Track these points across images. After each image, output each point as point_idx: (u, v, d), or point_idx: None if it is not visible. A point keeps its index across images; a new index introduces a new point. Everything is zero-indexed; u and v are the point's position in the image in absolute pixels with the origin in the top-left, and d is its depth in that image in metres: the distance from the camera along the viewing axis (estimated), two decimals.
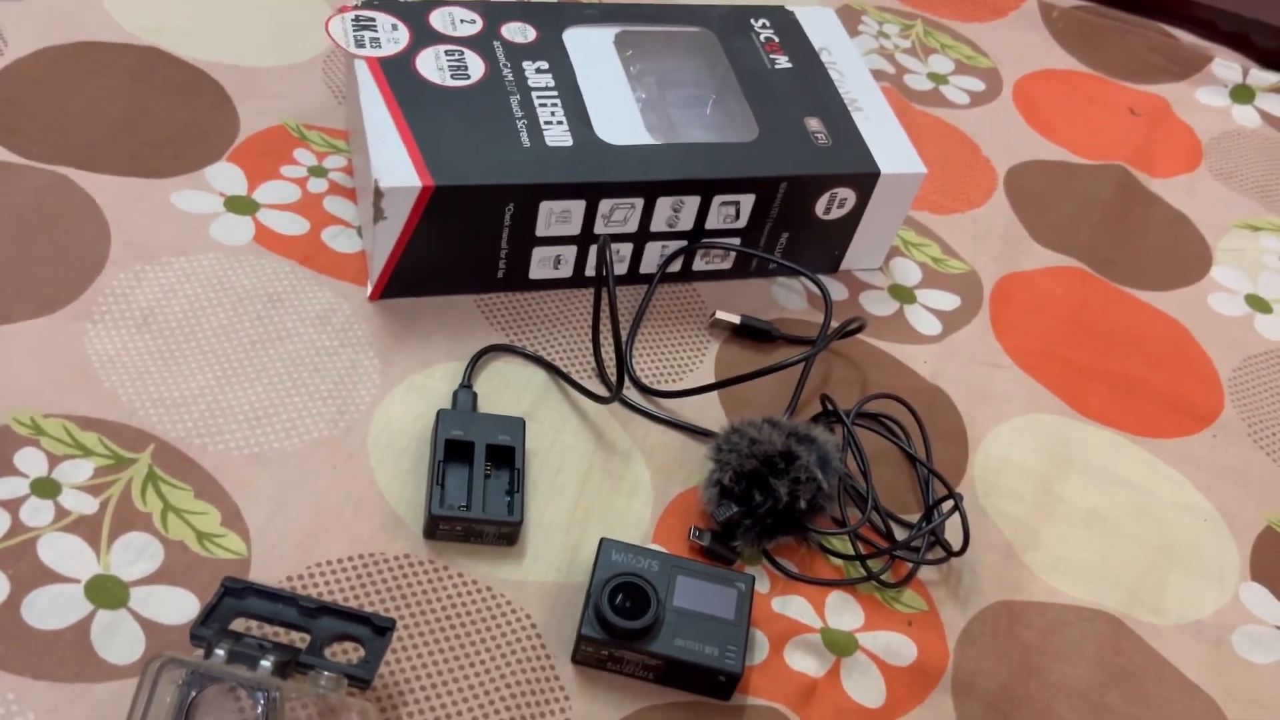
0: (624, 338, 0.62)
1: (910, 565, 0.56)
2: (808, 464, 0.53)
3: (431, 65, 0.63)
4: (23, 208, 0.61)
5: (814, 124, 0.65)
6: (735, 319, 0.65)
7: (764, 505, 0.53)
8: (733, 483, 0.53)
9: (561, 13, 0.68)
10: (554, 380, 0.61)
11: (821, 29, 0.72)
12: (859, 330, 0.64)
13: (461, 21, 0.66)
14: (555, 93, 0.63)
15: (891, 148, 0.66)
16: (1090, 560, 0.59)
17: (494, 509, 0.53)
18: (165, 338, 0.58)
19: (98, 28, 0.73)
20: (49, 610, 0.47)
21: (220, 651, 0.43)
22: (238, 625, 0.47)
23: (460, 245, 0.61)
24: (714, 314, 0.65)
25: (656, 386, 0.62)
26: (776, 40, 0.70)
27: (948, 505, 0.58)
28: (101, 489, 0.51)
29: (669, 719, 0.50)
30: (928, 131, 0.82)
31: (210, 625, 0.45)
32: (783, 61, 0.69)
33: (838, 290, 0.69)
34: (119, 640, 0.47)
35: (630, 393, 0.61)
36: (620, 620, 0.49)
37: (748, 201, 0.63)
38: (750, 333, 0.65)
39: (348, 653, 0.48)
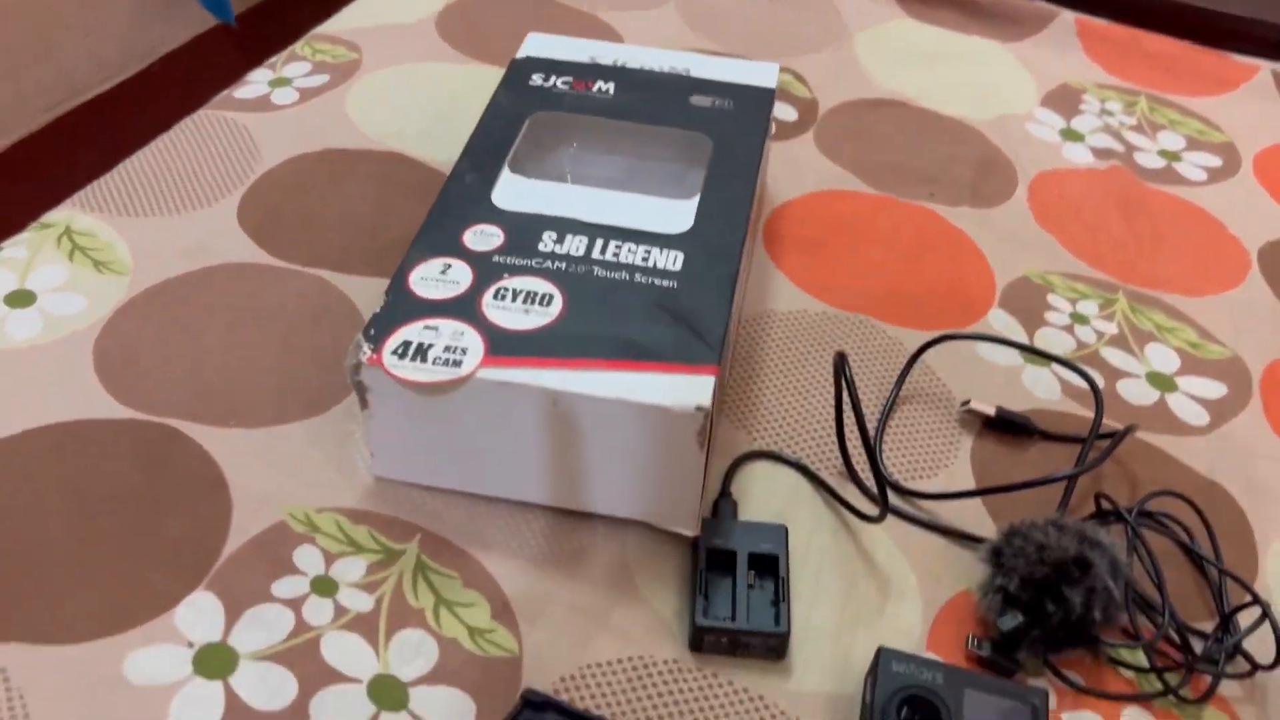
0: (876, 450, 0.60)
1: (1209, 679, 0.52)
2: (1101, 571, 0.50)
3: None
4: (291, 311, 0.64)
5: None
6: (990, 410, 0.62)
7: (1055, 615, 0.50)
8: (1019, 590, 0.50)
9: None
10: (805, 481, 0.59)
11: None
12: (1129, 433, 0.61)
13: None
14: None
15: None
16: None
17: (760, 620, 0.51)
18: None
19: (343, 135, 0.77)
20: (336, 712, 0.47)
21: None
22: None
23: None
24: (967, 403, 0.62)
25: (910, 484, 0.59)
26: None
27: (1250, 613, 0.54)
28: (375, 585, 0.52)
29: None
30: (1165, 210, 0.78)
31: None
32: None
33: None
34: None
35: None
36: None
37: None
38: (1005, 425, 0.62)
39: None
